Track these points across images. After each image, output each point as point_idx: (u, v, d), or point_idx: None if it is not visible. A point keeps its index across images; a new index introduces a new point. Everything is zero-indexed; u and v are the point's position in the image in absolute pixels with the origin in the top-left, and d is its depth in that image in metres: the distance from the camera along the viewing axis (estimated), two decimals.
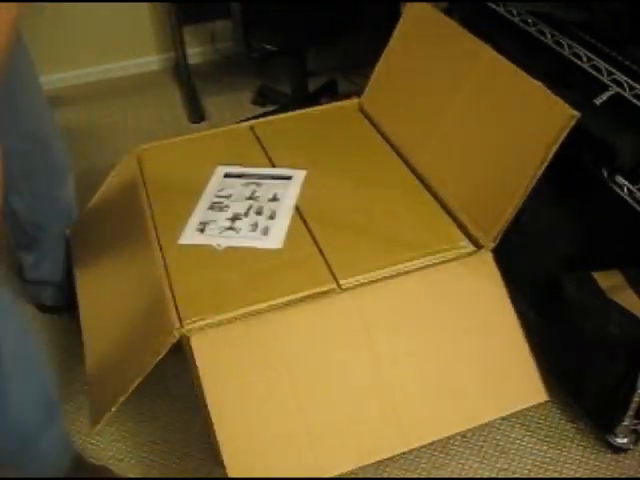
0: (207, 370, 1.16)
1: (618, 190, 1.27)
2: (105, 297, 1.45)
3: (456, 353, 1.25)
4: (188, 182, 1.50)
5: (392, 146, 1.56)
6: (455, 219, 1.35)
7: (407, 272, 1.26)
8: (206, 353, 1.16)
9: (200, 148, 1.62)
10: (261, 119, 1.74)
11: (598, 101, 1.29)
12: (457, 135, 1.40)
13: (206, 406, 1.15)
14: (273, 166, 1.53)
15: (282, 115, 1.73)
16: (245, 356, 1.18)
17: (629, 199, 1.25)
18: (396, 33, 1.62)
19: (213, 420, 1.14)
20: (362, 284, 1.24)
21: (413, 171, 1.48)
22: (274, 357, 1.18)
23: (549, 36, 1.45)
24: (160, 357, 1.17)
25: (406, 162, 1.51)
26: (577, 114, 1.14)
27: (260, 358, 1.18)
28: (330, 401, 1.19)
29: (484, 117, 1.34)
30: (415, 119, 1.52)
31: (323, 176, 1.48)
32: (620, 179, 1.27)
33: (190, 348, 1.16)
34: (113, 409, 1.23)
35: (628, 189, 1.25)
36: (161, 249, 1.34)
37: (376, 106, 1.65)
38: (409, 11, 1.60)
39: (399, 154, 1.53)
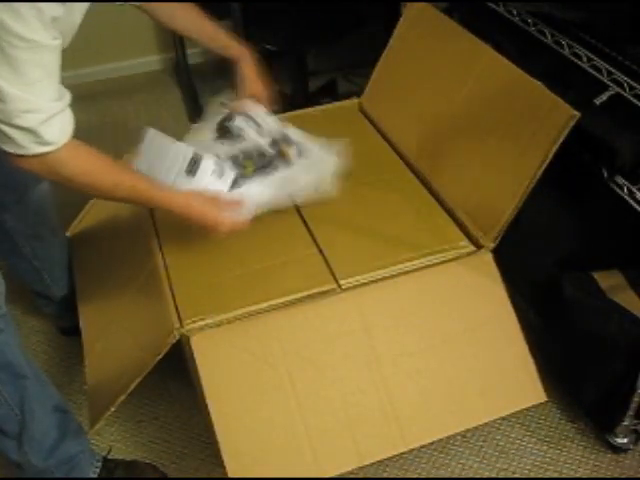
0: (207, 370, 1.16)
1: (618, 190, 1.27)
2: (105, 297, 1.45)
3: (456, 353, 1.25)
4: None
5: (392, 146, 1.56)
6: (455, 219, 1.35)
7: (407, 272, 1.26)
8: (206, 353, 1.16)
9: None
10: None
11: (598, 101, 1.29)
12: (457, 135, 1.40)
13: (206, 406, 1.15)
14: None
15: (282, 115, 1.72)
16: (245, 356, 1.18)
17: (629, 199, 1.25)
18: (396, 33, 1.62)
19: (213, 420, 1.14)
20: (362, 284, 1.24)
21: (413, 171, 1.48)
22: (274, 357, 1.18)
23: (549, 36, 1.45)
24: (160, 357, 1.17)
25: (406, 162, 1.51)
26: (577, 114, 1.14)
27: (260, 358, 1.18)
28: (330, 401, 1.19)
29: (484, 117, 1.34)
30: (415, 119, 1.52)
31: None
32: (620, 179, 1.27)
33: (190, 348, 1.16)
34: (112, 409, 1.23)
35: (628, 189, 1.25)
36: (161, 249, 1.34)
37: (376, 106, 1.65)
38: (409, 11, 1.60)
39: (399, 154, 1.53)
